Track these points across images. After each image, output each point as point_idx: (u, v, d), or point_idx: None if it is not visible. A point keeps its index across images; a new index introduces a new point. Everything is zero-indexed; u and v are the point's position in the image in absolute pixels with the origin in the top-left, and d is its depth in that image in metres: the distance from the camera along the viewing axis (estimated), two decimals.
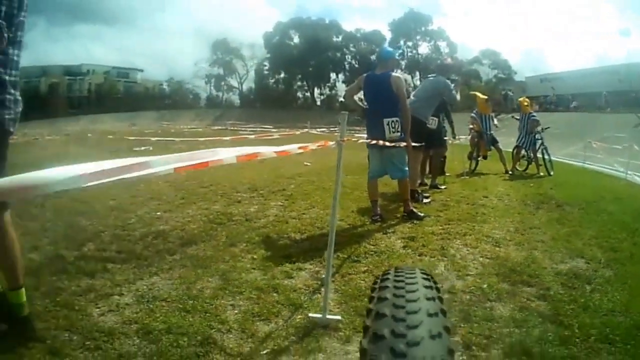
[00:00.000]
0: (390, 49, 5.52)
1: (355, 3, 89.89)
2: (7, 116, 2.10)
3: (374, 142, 4.08)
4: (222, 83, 61.33)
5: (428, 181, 6.97)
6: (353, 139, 4.47)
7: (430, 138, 6.01)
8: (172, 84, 64.95)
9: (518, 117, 9.85)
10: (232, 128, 27.74)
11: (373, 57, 44.82)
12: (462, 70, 6.80)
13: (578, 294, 2.66)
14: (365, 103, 4.63)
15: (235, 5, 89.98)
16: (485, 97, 10.00)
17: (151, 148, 12.68)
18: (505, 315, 2.36)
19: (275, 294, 2.57)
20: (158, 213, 4.52)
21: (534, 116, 9.53)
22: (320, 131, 18.42)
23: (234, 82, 61.73)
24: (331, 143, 2.48)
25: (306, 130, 5.43)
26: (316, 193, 5.67)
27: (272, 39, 57.53)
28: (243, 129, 26.62)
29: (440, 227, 4.21)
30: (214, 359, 1.93)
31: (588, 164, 11.50)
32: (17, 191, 1.04)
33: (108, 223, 4.04)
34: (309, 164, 8.46)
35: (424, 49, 54.67)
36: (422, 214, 4.57)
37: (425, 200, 5.55)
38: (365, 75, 4.73)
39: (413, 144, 4.66)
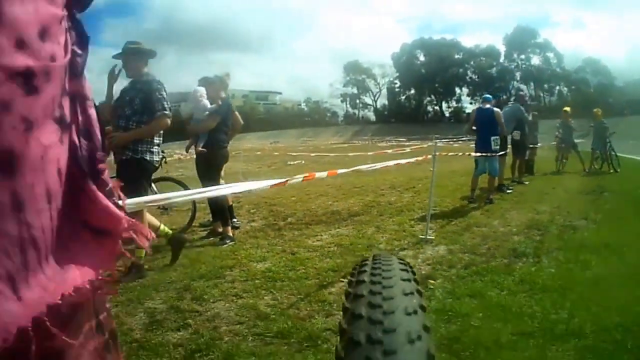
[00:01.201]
0: (489, 95, 8.16)
1: (471, 18, 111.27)
2: (155, 157, 3.68)
3: (480, 154, 6.83)
4: (357, 101, 72.48)
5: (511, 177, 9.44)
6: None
7: (516, 147, 8.79)
8: (310, 104, 73.87)
9: (592, 125, 11.67)
10: (371, 142, 32.87)
11: (490, 71, 61.40)
12: (527, 98, 9.28)
13: (580, 231, 5.01)
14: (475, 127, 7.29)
15: (365, 29, 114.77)
16: (566, 109, 12.56)
17: (303, 162, 16.32)
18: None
19: (403, 232, 5.15)
20: (329, 202, 7.17)
21: (605, 124, 11.37)
22: (445, 142, 20.69)
23: (368, 100, 72.91)
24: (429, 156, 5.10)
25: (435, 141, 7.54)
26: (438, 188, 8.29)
27: (400, 59, 68.57)
28: (380, 142, 29.89)
29: (509, 205, 6.62)
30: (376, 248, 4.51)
31: None
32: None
33: (297, 208, 6.79)
34: (431, 169, 11.04)
35: (535, 60, 62.16)
36: (493, 199, 7.04)
37: (508, 191, 7.97)
38: (476, 109, 7.64)
39: (500, 153, 7.25)
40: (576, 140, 11.79)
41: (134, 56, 3.69)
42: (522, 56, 62.09)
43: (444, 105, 69.03)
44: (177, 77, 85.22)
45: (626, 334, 2.31)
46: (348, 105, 73.47)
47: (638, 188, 7.87)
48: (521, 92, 10.85)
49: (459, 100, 67.44)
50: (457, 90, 67.05)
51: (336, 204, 7.08)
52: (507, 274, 3.52)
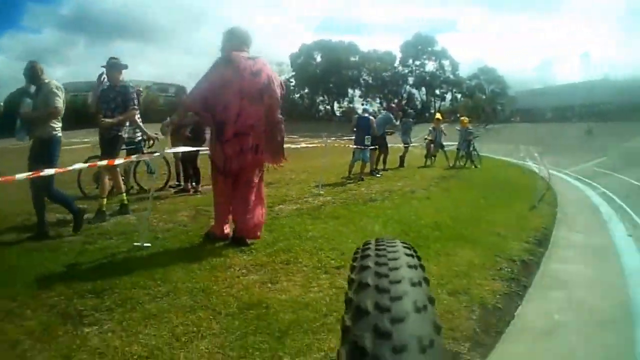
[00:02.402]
0: (366, 115, 11.81)
1: (373, 22, 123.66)
2: (125, 135, 6.45)
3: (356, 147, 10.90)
4: None
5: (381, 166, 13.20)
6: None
7: (383, 145, 12.65)
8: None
9: (459, 130, 16.57)
10: None
11: (385, 74, 72.78)
12: (397, 108, 13.94)
13: (416, 193, 9.11)
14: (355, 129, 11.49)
15: (266, 26, 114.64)
16: (438, 116, 16.97)
17: None
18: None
19: (304, 191, 8.62)
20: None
21: (470, 130, 16.26)
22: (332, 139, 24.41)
23: None
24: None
25: (324, 139, 10.41)
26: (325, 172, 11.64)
27: (297, 59, 78.46)
28: None
29: (375, 182, 10.43)
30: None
31: (520, 161, 18.38)
32: None
33: None
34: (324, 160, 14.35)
35: (430, 66, 75.66)
36: (364, 178, 10.92)
37: (377, 175, 11.93)
38: (356, 116, 11.91)
39: (371, 147, 11.32)
40: (471, 140, 16.34)
41: (113, 67, 6.24)
42: (417, 62, 75.76)
43: (336, 105, 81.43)
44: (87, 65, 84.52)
45: (431, 230, 5.90)
46: None
47: (479, 177, 12.33)
48: (392, 104, 16.31)
49: (351, 101, 78.79)
50: (350, 91, 79.66)
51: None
52: (363, 205, 7.40)
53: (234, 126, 4.53)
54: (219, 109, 4.55)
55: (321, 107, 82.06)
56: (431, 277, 3.20)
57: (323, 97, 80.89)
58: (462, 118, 17.58)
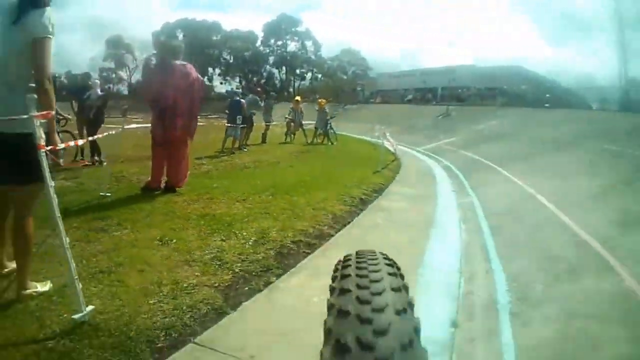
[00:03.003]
0: (237, 91, 14.49)
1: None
2: None
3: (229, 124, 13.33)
4: (113, 75, 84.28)
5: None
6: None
7: (249, 123, 15.18)
8: (70, 77, 76.17)
9: (317, 110, 19.63)
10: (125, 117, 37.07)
11: (246, 53, 79.41)
12: (262, 92, 17.27)
13: (279, 164, 11.67)
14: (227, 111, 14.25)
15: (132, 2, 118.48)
16: (297, 99, 19.82)
17: None
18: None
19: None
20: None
21: (325, 111, 19.39)
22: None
23: (124, 75, 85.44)
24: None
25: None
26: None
27: (159, 37, 78.14)
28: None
29: (245, 155, 12.88)
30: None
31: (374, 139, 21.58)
32: None
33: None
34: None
35: (292, 47, 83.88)
36: (235, 152, 13.13)
37: (245, 149, 14.49)
38: (229, 100, 14.59)
39: (241, 125, 13.85)
40: (328, 119, 19.67)
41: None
42: (279, 42, 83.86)
43: None
44: None
45: (296, 185, 8.50)
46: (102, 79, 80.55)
47: (334, 151, 15.52)
48: (253, 85, 19.12)
49: (210, 80, 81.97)
50: (210, 70, 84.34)
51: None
52: (240, 171, 9.81)
53: (169, 112, 7.05)
54: (160, 100, 7.06)
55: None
56: (301, 202, 6.53)
57: None
58: (320, 100, 21.12)
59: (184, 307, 3.24)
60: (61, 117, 9.61)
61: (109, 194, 6.72)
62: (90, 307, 2.93)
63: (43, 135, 2.84)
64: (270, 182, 8.50)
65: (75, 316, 2.82)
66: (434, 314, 3.49)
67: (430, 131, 28.46)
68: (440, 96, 52.00)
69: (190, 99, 7.23)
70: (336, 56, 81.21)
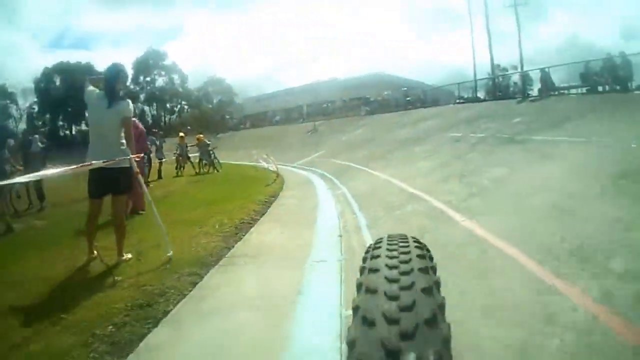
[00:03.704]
0: None
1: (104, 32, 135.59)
2: None
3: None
4: None
5: None
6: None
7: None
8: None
9: (198, 145, 22.74)
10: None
11: (120, 94, 73.47)
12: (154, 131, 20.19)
13: (189, 191, 14.31)
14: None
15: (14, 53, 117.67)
16: (182, 135, 22.90)
17: None
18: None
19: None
20: None
21: (206, 142, 22.54)
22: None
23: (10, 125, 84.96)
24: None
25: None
26: None
27: (40, 84, 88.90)
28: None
29: (156, 190, 15.43)
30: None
31: (253, 163, 24.76)
32: None
33: None
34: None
35: (160, 82, 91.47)
36: None
37: (150, 185, 16.54)
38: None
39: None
40: (210, 150, 23.05)
41: None
42: (148, 78, 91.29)
43: (74, 128, 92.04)
44: None
45: (205, 201, 11.26)
46: None
47: (223, 177, 18.64)
48: (154, 129, 21.49)
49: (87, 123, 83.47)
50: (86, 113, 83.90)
51: None
52: (162, 198, 12.20)
53: None
54: None
55: (61, 133, 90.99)
56: (228, 208, 9.77)
57: (62, 122, 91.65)
58: (198, 136, 24.50)
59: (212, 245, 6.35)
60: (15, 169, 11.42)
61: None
62: (170, 252, 5.78)
63: (135, 167, 5.85)
64: (196, 202, 11.15)
65: (168, 254, 5.68)
66: (324, 240, 6.77)
67: (301, 148, 32.69)
68: (307, 113, 56.54)
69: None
70: (202, 86, 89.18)
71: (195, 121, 66.21)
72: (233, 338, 3.61)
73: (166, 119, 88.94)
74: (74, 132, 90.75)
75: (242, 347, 3.45)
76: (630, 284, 3.45)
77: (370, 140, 26.26)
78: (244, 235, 7.30)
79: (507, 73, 38.34)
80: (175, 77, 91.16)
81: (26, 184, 12.08)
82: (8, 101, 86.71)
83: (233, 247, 6.60)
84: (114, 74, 5.94)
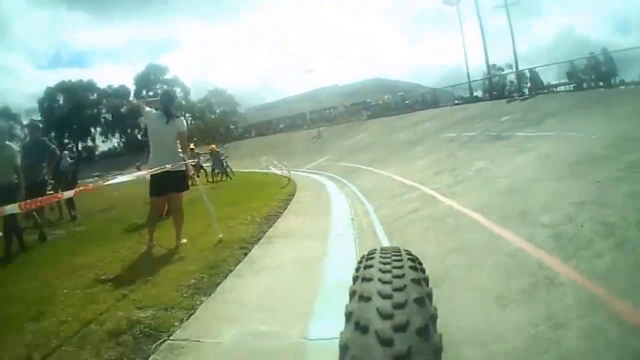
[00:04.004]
0: None
1: (102, 50, 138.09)
2: None
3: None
4: None
5: None
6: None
7: None
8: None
9: (210, 154, 24.43)
10: None
11: (122, 109, 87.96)
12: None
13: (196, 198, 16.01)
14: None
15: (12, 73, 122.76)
16: (192, 146, 24.70)
17: None
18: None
19: None
20: None
21: (219, 152, 24.09)
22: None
23: (14, 146, 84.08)
24: None
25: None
26: None
27: (44, 103, 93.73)
28: None
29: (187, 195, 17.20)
30: None
31: (263, 169, 26.36)
32: None
33: None
34: None
35: None
36: None
37: None
38: None
39: None
40: (223, 159, 24.79)
41: None
42: (151, 92, 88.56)
43: (80, 144, 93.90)
44: None
45: (229, 203, 12.94)
46: None
47: (239, 183, 20.12)
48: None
49: (94, 139, 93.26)
50: (92, 129, 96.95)
51: None
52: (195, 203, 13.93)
53: None
54: None
55: (65, 151, 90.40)
56: (254, 206, 11.49)
57: (68, 139, 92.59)
58: (212, 146, 26.07)
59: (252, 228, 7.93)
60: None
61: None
62: (221, 235, 7.49)
63: (191, 170, 7.75)
64: (223, 203, 12.37)
65: (219, 236, 7.36)
66: (339, 223, 8.52)
67: (307, 154, 34.50)
68: (310, 120, 58.47)
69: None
70: (205, 97, 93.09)
71: (200, 132, 68.16)
72: (281, 283, 5.31)
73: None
74: (80, 148, 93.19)
75: (288, 289, 5.11)
76: (550, 228, 5.16)
77: (372, 144, 28.33)
78: (273, 224, 8.94)
79: (502, 73, 38.98)
80: (178, 90, 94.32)
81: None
82: (12, 122, 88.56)
83: (267, 231, 8.24)
84: (169, 98, 7.63)
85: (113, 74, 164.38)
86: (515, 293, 3.94)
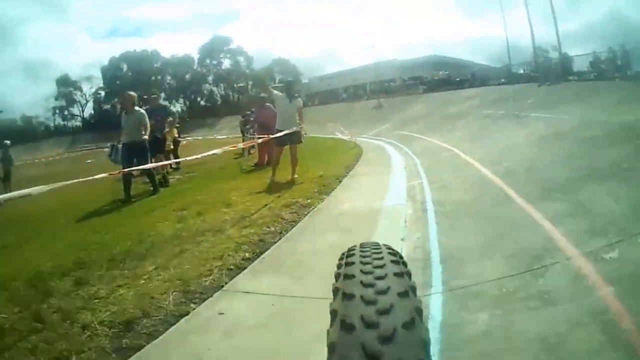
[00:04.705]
0: None
1: (166, 20, 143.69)
2: None
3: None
4: (66, 112, 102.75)
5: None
6: None
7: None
8: (25, 119, 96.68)
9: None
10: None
11: (185, 77, 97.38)
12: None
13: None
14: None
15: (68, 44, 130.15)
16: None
17: None
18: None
19: None
20: None
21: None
22: None
23: (75, 111, 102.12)
24: None
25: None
26: None
27: (108, 72, 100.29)
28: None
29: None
30: None
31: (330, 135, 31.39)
32: None
33: None
34: None
35: (226, 64, 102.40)
36: None
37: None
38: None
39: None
40: None
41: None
42: (215, 62, 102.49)
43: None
44: None
45: (314, 161, 18.09)
46: (58, 118, 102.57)
47: (308, 145, 24.41)
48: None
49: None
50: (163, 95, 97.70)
51: None
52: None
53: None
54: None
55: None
56: (329, 162, 16.46)
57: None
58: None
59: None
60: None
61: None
62: (322, 172, 12.57)
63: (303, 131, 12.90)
64: (308, 159, 16.03)
65: (320, 173, 12.40)
66: (396, 168, 13.52)
67: (369, 122, 39.35)
68: (370, 90, 63.21)
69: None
70: (267, 67, 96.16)
71: (264, 100, 70.35)
72: (363, 196, 10.01)
73: (234, 98, 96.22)
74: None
75: (368, 195, 10.03)
76: (505, 167, 9.93)
77: (426, 115, 33.16)
78: (352, 170, 13.67)
79: (534, 60, 42.34)
80: (241, 59, 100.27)
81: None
82: (72, 88, 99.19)
83: (349, 172, 13.02)
84: (291, 85, 12.88)
85: (173, 45, 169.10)
86: (470, 185, 9.01)
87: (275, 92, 12.48)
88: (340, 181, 11.47)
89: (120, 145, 13.14)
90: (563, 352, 3.21)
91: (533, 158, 10.46)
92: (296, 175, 12.07)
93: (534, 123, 16.45)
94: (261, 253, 6.10)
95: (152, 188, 12.52)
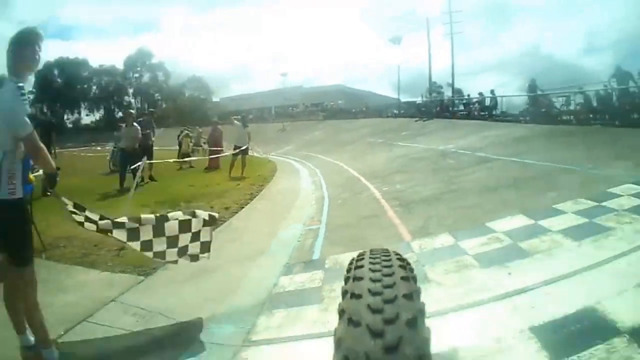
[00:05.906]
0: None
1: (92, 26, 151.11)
2: None
3: None
4: None
5: None
6: None
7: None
8: None
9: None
10: None
11: (109, 87, 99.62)
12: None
13: None
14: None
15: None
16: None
17: None
18: None
19: None
20: None
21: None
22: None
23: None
24: None
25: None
26: None
27: (39, 78, 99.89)
28: None
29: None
30: None
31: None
32: None
33: None
34: None
35: (146, 78, 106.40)
36: None
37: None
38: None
39: None
40: None
41: None
42: (137, 75, 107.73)
43: (65, 117, 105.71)
44: None
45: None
46: None
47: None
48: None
49: (79, 112, 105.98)
50: (82, 103, 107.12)
51: None
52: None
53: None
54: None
55: (54, 121, 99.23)
56: (254, 173, 30.25)
57: (58, 110, 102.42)
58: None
59: None
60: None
61: None
62: (259, 173, 19.44)
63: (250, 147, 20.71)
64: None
65: (258, 174, 19.40)
66: (303, 175, 20.76)
67: (275, 143, 45.94)
68: (275, 114, 70.44)
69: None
70: (182, 84, 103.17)
71: (177, 114, 78.44)
72: (288, 183, 17.59)
73: (148, 110, 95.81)
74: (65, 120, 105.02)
75: (290, 183, 17.29)
76: (368, 171, 17.17)
77: (324, 140, 40.84)
78: (276, 173, 20.53)
79: (422, 99, 49.41)
80: (160, 74, 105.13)
81: None
82: None
83: (275, 174, 19.89)
84: (244, 118, 21.01)
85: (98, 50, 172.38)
86: (345, 178, 16.37)
87: (236, 122, 20.36)
88: (273, 177, 18.84)
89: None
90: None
91: (381, 166, 18.00)
92: (244, 174, 18.86)
93: (395, 150, 23.41)
94: (251, 199, 13.12)
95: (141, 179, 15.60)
